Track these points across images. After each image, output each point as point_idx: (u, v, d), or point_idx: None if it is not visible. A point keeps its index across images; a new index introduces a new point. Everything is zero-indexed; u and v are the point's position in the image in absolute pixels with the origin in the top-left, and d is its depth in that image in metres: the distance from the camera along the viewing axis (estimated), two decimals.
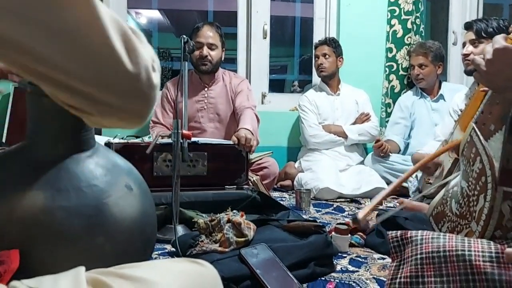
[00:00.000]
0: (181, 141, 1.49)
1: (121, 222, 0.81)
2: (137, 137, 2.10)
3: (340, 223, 1.53)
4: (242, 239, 1.24)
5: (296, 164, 2.89)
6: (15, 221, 0.71)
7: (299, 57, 6.29)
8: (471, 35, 2.12)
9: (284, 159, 3.08)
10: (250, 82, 3.11)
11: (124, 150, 1.73)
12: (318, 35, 3.25)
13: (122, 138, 1.89)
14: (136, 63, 0.45)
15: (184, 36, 1.61)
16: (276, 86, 5.30)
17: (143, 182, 0.93)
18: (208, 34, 2.49)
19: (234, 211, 1.40)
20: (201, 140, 1.94)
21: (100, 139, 1.81)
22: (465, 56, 2.13)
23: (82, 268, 0.54)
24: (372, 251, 1.47)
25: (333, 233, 1.46)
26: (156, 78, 0.49)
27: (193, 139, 1.70)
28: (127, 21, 3.19)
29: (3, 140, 2.60)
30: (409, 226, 1.43)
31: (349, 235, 1.48)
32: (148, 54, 0.49)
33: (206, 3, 5.97)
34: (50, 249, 0.73)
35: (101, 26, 0.42)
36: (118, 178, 0.85)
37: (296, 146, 3.08)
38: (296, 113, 3.06)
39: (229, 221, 1.30)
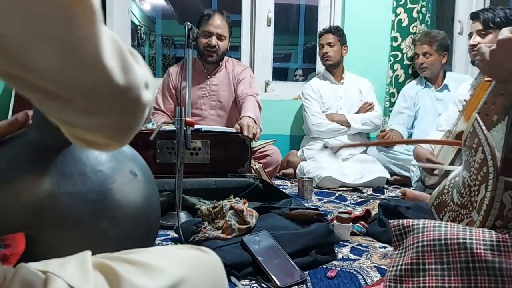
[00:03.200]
0: (185, 128, 1.49)
1: (125, 207, 0.82)
2: None
3: (342, 212, 1.53)
4: (244, 226, 1.26)
5: (299, 153, 2.90)
6: (21, 206, 0.72)
7: (303, 45, 6.25)
8: (478, 26, 2.09)
9: (287, 147, 3.09)
10: (253, 70, 3.10)
11: None
12: (322, 23, 3.22)
13: None
14: (127, 79, 0.46)
15: (188, 23, 1.60)
16: (280, 74, 5.28)
17: (147, 169, 0.94)
18: (219, 24, 2.45)
19: (237, 198, 1.41)
20: (205, 127, 1.94)
21: None
22: (472, 47, 2.09)
23: (89, 252, 0.55)
24: (373, 239, 1.48)
25: (335, 221, 1.46)
26: (147, 95, 0.49)
27: (196, 126, 1.70)
28: (131, 8, 3.17)
29: None
30: (411, 215, 1.44)
31: (351, 224, 1.49)
32: (142, 73, 0.49)
33: None
34: (56, 233, 0.74)
35: (97, 41, 0.42)
36: (123, 164, 0.85)
37: (299, 135, 3.09)
38: (299, 101, 3.06)
39: (231, 208, 1.32)
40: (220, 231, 1.26)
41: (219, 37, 2.46)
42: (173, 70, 2.62)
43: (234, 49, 3.76)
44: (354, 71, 3.01)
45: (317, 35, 3.00)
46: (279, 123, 3.10)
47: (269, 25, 3.19)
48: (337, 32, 2.88)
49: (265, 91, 3.22)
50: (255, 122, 2.16)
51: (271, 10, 3.18)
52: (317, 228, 1.27)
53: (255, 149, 2.34)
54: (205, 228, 1.28)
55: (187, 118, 1.49)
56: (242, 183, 1.79)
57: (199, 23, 2.49)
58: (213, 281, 0.63)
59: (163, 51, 6.34)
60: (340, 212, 1.52)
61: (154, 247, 0.66)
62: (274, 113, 3.02)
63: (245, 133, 1.95)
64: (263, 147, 2.43)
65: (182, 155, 1.50)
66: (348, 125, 2.81)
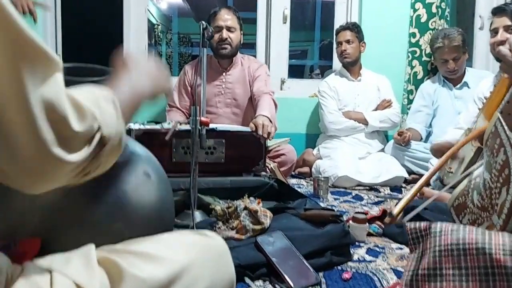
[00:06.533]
0: (199, 128, 1.49)
1: (139, 209, 0.82)
2: (157, 123, 2.12)
3: (358, 212, 1.52)
4: (259, 226, 1.25)
5: (315, 151, 2.88)
6: (37, 209, 0.73)
7: (320, 42, 6.20)
8: (506, 21, 1.99)
9: (303, 146, 3.07)
10: (269, 67, 3.08)
11: (145, 136, 1.75)
12: (339, 20, 3.18)
13: (143, 124, 1.91)
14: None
15: (203, 22, 1.60)
16: (296, 71, 5.25)
17: (161, 170, 0.94)
18: (226, 17, 2.50)
19: (251, 198, 1.40)
20: (219, 127, 1.94)
21: None
22: (501, 43, 1.97)
23: (93, 246, 0.55)
24: (390, 240, 1.46)
25: (350, 222, 1.45)
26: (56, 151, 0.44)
27: (211, 125, 1.71)
28: (148, 7, 3.18)
29: None
30: (428, 216, 1.41)
31: (367, 224, 1.47)
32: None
33: None
34: (70, 234, 0.74)
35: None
36: (137, 165, 0.86)
37: (314, 133, 3.06)
38: (315, 99, 3.03)
39: (245, 208, 1.31)
40: (234, 231, 1.26)
41: (229, 29, 2.49)
42: (189, 67, 2.65)
43: (250, 47, 3.75)
44: (372, 68, 2.97)
45: (334, 32, 2.96)
46: (295, 121, 3.08)
47: (285, 22, 3.17)
48: (355, 28, 2.84)
49: (281, 89, 3.21)
50: (270, 121, 2.15)
51: (287, 7, 3.16)
52: (333, 229, 1.26)
53: (270, 148, 2.33)
54: (219, 228, 1.28)
55: (202, 118, 1.50)
56: (257, 182, 1.79)
57: (208, 23, 2.50)
58: (217, 266, 0.64)
59: (179, 49, 6.37)
60: (356, 212, 1.51)
61: (158, 235, 0.67)
62: (289, 111, 3.00)
63: (260, 132, 1.95)
64: (278, 146, 2.42)
65: (197, 154, 1.50)
66: (365, 122, 2.78)
